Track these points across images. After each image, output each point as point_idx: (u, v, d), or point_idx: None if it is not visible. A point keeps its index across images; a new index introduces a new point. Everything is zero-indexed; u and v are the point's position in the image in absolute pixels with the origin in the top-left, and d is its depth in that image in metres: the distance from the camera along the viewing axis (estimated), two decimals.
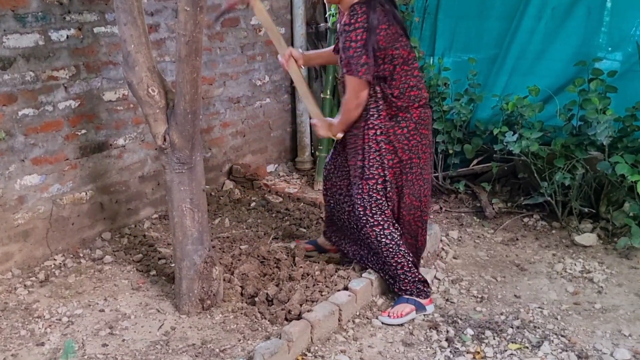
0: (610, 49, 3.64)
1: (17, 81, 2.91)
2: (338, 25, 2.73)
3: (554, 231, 3.59)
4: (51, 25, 3.00)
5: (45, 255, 3.19)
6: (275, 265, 3.04)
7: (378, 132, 2.64)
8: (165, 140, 2.45)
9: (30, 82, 2.97)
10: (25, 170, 3.03)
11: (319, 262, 3.04)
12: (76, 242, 3.33)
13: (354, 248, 2.98)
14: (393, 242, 2.70)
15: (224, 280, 2.81)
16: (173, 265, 2.80)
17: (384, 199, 2.69)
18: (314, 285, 2.82)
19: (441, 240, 3.44)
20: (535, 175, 3.53)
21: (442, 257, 3.29)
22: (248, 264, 3.00)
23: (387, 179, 2.66)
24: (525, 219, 3.74)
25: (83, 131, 3.26)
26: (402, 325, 2.66)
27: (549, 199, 3.55)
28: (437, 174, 4.09)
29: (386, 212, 2.70)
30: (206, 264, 2.62)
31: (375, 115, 2.63)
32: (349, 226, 2.98)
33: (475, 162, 4.05)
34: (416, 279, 2.74)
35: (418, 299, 2.73)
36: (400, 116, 2.64)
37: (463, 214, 3.89)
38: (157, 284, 2.96)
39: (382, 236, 2.70)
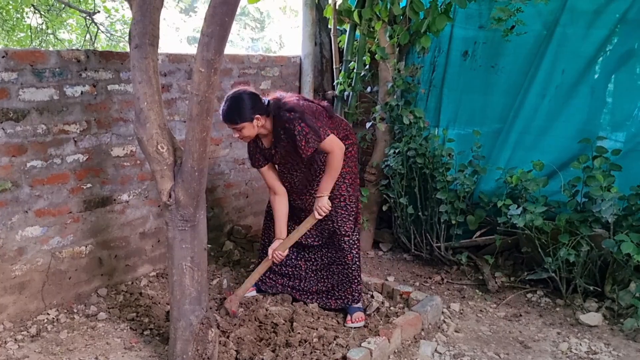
0: (612, 129, 3.68)
1: (29, 133, 2.96)
2: (266, 147, 3.30)
3: (558, 308, 3.51)
4: (67, 81, 3.08)
5: (39, 309, 3.12)
6: (272, 329, 2.96)
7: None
8: (170, 196, 2.45)
9: (41, 135, 3.01)
10: (27, 222, 3.02)
11: (317, 329, 2.96)
12: (71, 296, 3.28)
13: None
14: (359, 255, 3.27)
15: (219, 343, 2.73)
16: (168, 324, 2.73)
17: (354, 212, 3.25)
18: (311, 352, 2.74)
19: (442, 313, 3.37)
20: (539, 250, 3.49)
21: (443, 330, 3.20)
22: (244, 328, 2.93)
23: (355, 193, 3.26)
24: (529, 295, 3.67)
25: (88, 185, 3.28)
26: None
27: (553, 275, 3.49)
28: (439, 245, 4.05)
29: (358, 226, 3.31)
30: (202, 325, 2.56)
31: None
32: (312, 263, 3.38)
33: (478, 233, 4.03)
34: (360, 288, 3.28)
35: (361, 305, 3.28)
36: (347, 143, 3.19)
37: (465, 287, 3.82)
38: (150, 344, 2.88)
39: (355, 248, 3.24)
